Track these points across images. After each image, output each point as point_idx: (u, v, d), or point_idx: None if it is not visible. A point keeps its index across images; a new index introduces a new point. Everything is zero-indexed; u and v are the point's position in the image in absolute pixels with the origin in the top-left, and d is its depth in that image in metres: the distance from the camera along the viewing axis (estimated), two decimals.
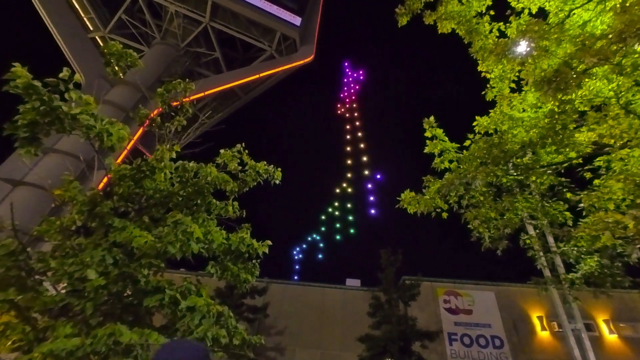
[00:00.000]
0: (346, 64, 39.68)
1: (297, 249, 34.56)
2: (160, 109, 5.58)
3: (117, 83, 22.43)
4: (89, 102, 3.68)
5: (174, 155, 4.75)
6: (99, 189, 4.79)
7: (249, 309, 19.08)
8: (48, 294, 3.93)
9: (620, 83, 6.40)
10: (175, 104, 5.56)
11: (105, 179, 5.24)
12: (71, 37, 24.35)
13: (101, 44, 30.71)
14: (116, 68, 5.05)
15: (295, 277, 30.96)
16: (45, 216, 4.67)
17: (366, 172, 34.19)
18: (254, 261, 5.14)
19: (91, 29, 29.54)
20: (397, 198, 7.00)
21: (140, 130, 17.33)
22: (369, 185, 33.51)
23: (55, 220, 4.56)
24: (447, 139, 7.09)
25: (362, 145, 34.98)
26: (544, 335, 19.75)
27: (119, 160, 7.72)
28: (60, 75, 3.55)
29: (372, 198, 33.19)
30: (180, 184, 4.84)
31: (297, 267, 33.46)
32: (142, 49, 31.02)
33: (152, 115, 5.42)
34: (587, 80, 5.54)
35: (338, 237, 33.25)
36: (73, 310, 3.76)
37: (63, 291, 3.87)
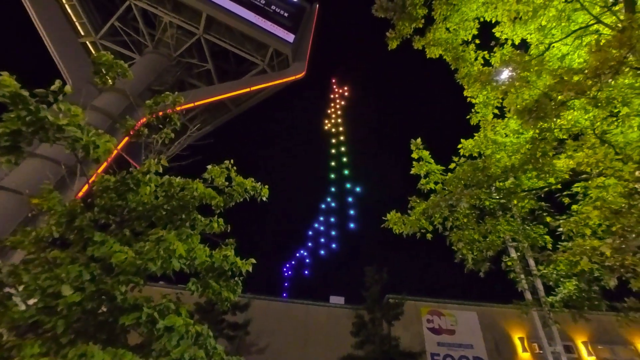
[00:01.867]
0: (334, 80, 40.43)
1: (285, 265, 34.18)
2: (145, 119, 5.51)
3: (106, 90, 22.15)
4: (77, 114, 3.62)
5: (160, 169, 4.68)
6: (79, 200, 4.66)
7: (230, 326, 18.52)
8: (17, 309, 3.74)
9: (596, 114, 6.74)
10: (161, 114, 5.51)
11: (85, 187, 5.10)
12: (61, 40, 24.07)
13: (92, 49, 30.44)
14: (105, 78, 5.00)
15: (285, 295, 30.40)
16: (20, 225, 4.49)
17: (351, 187, 34.44)
18: (236, 279, 5.04)
19: (82, 34, 29.30)
20: (383, 218, 7.06)
21: (125, 140, 17.02)
22: (350, 199, 33.74)
23: (31, 231, 4.39)
24: (432, 161, 7.26)
25: (346, 160, 35.39)
26: (525, 356, 19.84)
27: (101, 169, 7.55)
28: (52, 87, 3.50)
29: (352, 212, 33.38)
30: (164, 198, 4.75)
31: (285, 284, 32.97)
32: (133, 57, 30.88)
33: (137, 125, 5.35)
34: (565, 111, 5.81)
35: (322, 252, 33.04)
36: (43, 328, 3.58)
37: (34, 307, 3.69)
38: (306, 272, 34.21)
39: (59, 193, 4.71)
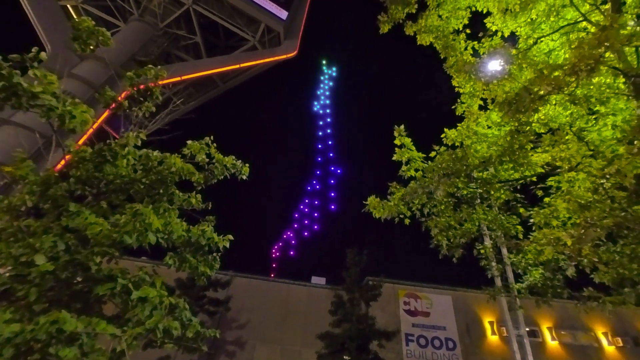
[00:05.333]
0: (324, 61, 39.92)
1: (271, 246, 34.53)
2: (129, 92, 5.37)
3: (87, 57, 21.23)
4: (52, 82, 3.51)
5: (139, 142, 4.61)
6: (54, 170, 4.57)
7: (211, 302, 18.78)
8: None
9: (574, 111, 6.94)
10: (143, 87, 5.36)
11: (63, 161, 4.99)
12: (39, 3, 22.73)
13: (73, 13, 28.92)
14: (85, 45, 4.81)
15: (272, 275, 30.78)
16: None
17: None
18: (214, 254, 5.10)
19: None
20: (364, 202, 7.20)
21: (107, 113, 16.53)
22: (332, 182, 34.08)
23: (3, 199, 4.31)
24: (414, 148, 7.37)
25: (331, 143, 35.48)
26: (493, 339, 20.94)
27: (81, 141, 7.37)
28: (29, 55, 3.37)
29: (333, 194, 33.79)
30: (142, 172, 4.71)
31: (266, 262, 33.37)
32: (117, 24, 29.54)
33: (120, 98, 5.21)
34: (543, 105, 5.96)
35: (306, 233, 33.47)
36: (16, 295, 3.59)
37: (6, 275, 3.68)
38: (291, 252, 34.70)
39: (33, 163, 4.60)
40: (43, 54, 3.48)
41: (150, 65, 5.05)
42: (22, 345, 3.11)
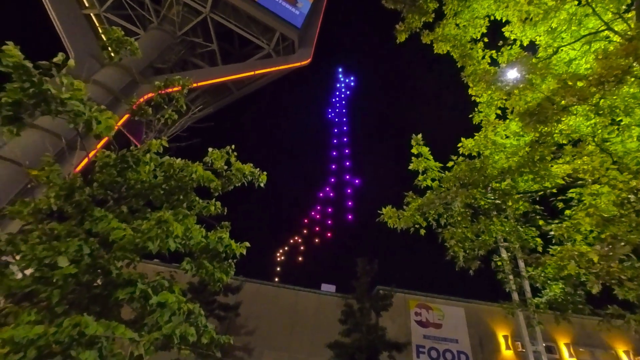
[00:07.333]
0: (340, 69, 40.20)
1: (277, 249, 34.44)
2: (151, 95, 5.51)
3: (108, 64, 21.87)
4: (80, 88, 3.62)
5: (161, 149, 4.71)
6: (79, 174, 4.69)
7: (221, 307, 18.84)
8: (14, 278, 3.81)
9: (597, 122, 6.76)
10: (169, 90, 5.49)
11: (85, 161, 5.12)
12: (65, 12, 23.61)
13: (95, 21, 29.89)
14: (112, 54, 4.98)
15: (276, 279, 30.67)
16: (19, 196, 4.53)
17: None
18: (230, 261, 5.13)
19: (86, 5, 28.71)
20: (379, 212, 7.13)
21: (126, 117, 16.95)
22: (349, 191, 33.93)
23: (30, 202, 4.43)
24: (431, 157, 7.29)
25: (347, 152, 35.44)
26: (507, 354, 20.33)
27: (101, 144, 7.57)
28: (55, 59, 3.49)
29: (350, 204, 33.60)
30: (163, 178, 4.79)
31: (277, 268, 33.26)
32: (137, 32, 30.39)
33: (138, 102, 5.33)
34: (566, 116, 5.83)
35: (317, 240, 33.34)
36: (38, 297, 3.66)
37: (30, 276, 3.76)
38: (300, 258, 34.53)
39: (59, 166, 4.73)
40: (71, 62, 3.60)
41: (178, 76, 5.19)
42: (43, 347, 3.16)
